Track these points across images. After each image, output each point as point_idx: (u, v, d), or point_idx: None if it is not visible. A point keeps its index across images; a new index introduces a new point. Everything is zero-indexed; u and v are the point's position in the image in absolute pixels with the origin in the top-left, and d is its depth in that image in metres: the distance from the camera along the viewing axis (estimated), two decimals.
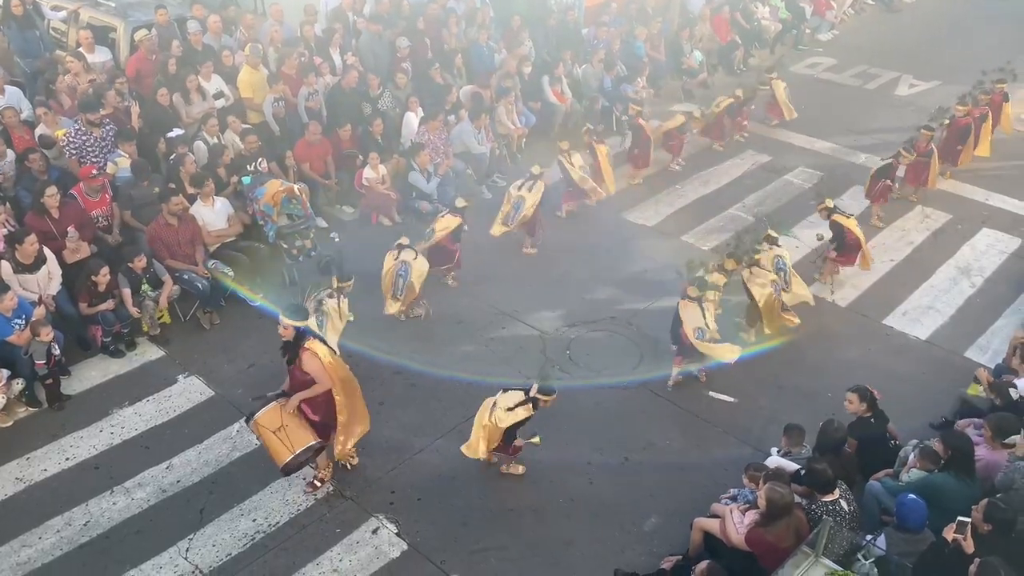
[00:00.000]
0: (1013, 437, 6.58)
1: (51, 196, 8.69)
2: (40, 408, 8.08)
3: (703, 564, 5.90)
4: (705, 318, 8.09)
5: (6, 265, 8.20)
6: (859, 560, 5.88)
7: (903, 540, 5.97)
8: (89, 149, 9.76)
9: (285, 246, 9.77)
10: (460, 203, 9.64)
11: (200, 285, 9.09)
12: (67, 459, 7.59)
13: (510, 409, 6.93)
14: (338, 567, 6.69)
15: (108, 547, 6.80)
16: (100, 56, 11.60)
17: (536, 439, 7.19)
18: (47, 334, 7.77)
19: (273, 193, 9.66)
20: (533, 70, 13.65)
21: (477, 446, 7.15)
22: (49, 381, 8.01)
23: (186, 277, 9.08)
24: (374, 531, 6.99)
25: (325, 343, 6.94)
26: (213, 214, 9.54)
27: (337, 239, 10.87)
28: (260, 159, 10.35)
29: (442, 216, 9.63)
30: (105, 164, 9.72)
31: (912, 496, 6.05)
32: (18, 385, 7.89)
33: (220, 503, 7.16)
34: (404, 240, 9.14)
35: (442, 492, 7.35)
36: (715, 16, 16.77)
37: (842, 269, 10.15)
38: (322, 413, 6.85)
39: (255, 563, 6.71)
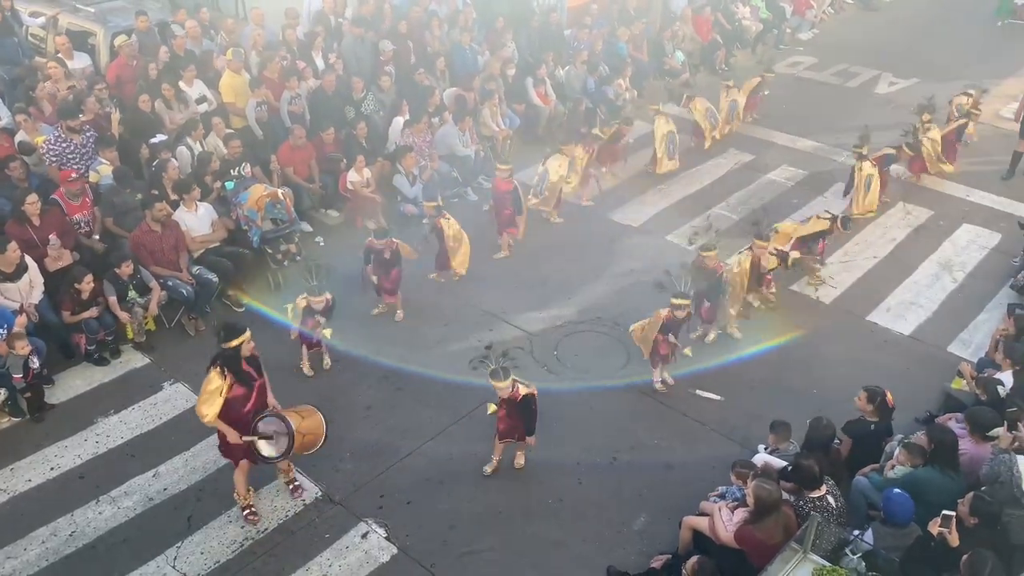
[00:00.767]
0: (996, 430, 6.64)
1: (32, 204, 8.62)
2: (24, 418, 8.00)
3: (694, 559, 5.92)
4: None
5: None
6: (847, 555, 5.92)
7: (890, 534, 6.02)
8: (69, 156, 9.69)
9: (270, 251, 9.74)
10: (431, 204, 9.65)
11: (185, 291, 9.04)
12: (52, 469, 7.52)
13: None
14: (327, 572, 6.67)
15: (94, 557, 6.74)
16: (80, 62, 11.52)
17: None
18: (23, 347, 7.64)
19: (257, 198, 9.63)
20: (517, 72, 13.66)
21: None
22: (28, 395, 7.91)
23: (170, 284, 9.02)
24: (363, 535, 6.97)
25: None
26: (196, 220, 9.48)
27: (322, 243, 10.84)
28: (244, 164, 10.31)
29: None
30: (87, 172, 9.64)
31: (898, 491, 6.10)
32: (0, 395, 7.80)
33: (208, 510, 7.11)
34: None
35: (431, 495, 7.34)
36: (696, 16, 16.86)
37: (824, 268, 10.30)
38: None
39: (244, 570, 6.66)
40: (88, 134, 9.85)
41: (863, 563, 5.84)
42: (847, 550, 5.96)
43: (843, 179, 11.71)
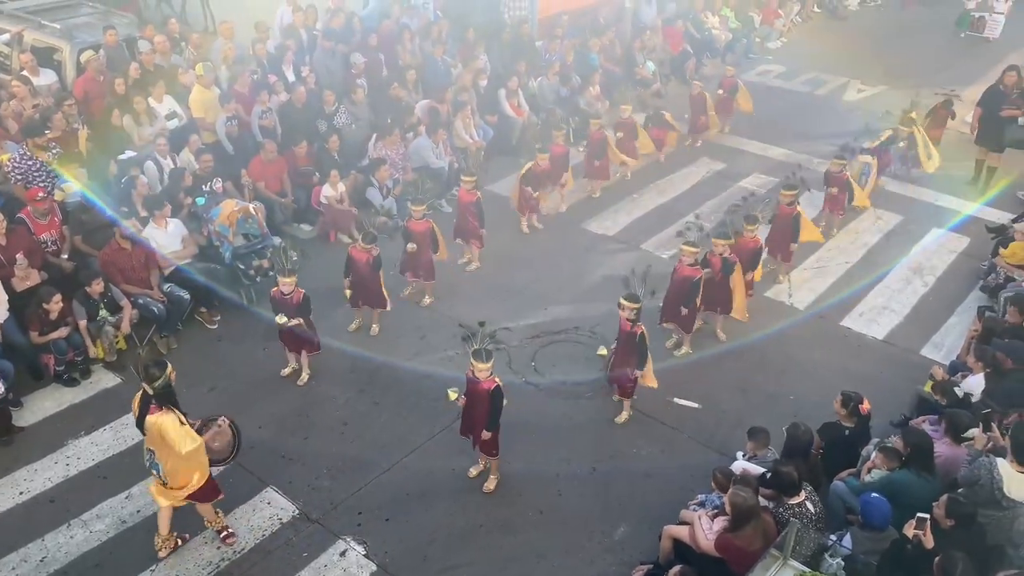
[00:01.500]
0: (971, 431, 6.71)
1: None
2: None
3: (675, 569, 5.91)
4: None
5: None
6: (826, 560, 5.93)
7: (868, 538, 6.05)
8: (35, 174, 9.53)
9: (242, 267, 9.64)
10: (419, 207, 9.58)
11: (156, 309, 8.91)
12: (21, 493, 7.35)
13: None
14: None
15: None
16: (45, 79, 11.36)
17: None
18: None
19: (228, 213, 9.55)
20: (489, 84, 13.69)
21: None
22: None
23: (141, 302, 8.89)
24: (342, 553, 6.89)
25: None
26: (167, 236, 9.36)
27: (296, 258, 10.72)
28: (214, 179, 10.21)
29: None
30: (52, 190, 9.48)
31: (875, 495, 6.14)
32: None
33: (182, 532, 6.98)
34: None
35: (410, 511, 7.28)
36: (667, 27, 17.02)
37: (795, 273, 10.40)
38: None
39: None
40: (54, 151, 9.70)
41: (842, 568, 5.87)
42: (826, 555, 5.97)
43: (815, 187, 11.81)
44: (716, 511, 6.27)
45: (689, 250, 8.58)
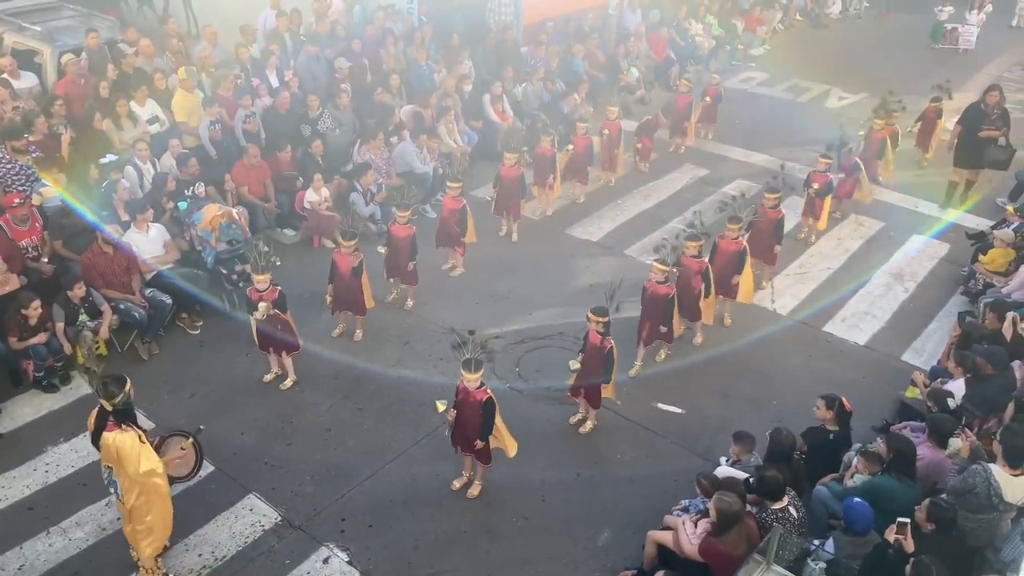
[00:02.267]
0: (953, 442, 6.77)
1: None
2: None
3: (660, 574, 5.93)
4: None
5: None
6: (809, 565, 5.97)
7: (850, 543, 6.08)
8: (14, 178, 9.43)
9: (224, 272, 9.58)
10: (404, 212, 9.55)
11: (137, 314, 8.84)
12: None
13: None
14: None
15: None
16: (26, 82, 11.26)
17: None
18: None
19: (211, 218, 9.49)
20: (474, 89, 13.70)
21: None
22: None
23: (123, 307, 8.81)
24: (325, 560, 6.84)
25: None
26: (148, 241, 9.29)
27: (279, 263, 10.68)
28: (197, 183, 10.15)
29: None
30: (30, 194, 9.38)
31: (858, 500, 6.18)
32: None
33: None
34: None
35: (394, 517, 7.25)
36: (651, 34, 17.11)
37: (778, 279, 10.48)
38: None
39: None
40: (33, 154, 9.60)
41: (824, 572, 5.90)
42: (809, 560, 6.01)
43: (797, 193, 11.89)
44: (700, 515, 6.28)
45: (660, 268, 8.38)
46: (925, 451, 6.80)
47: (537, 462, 7.83)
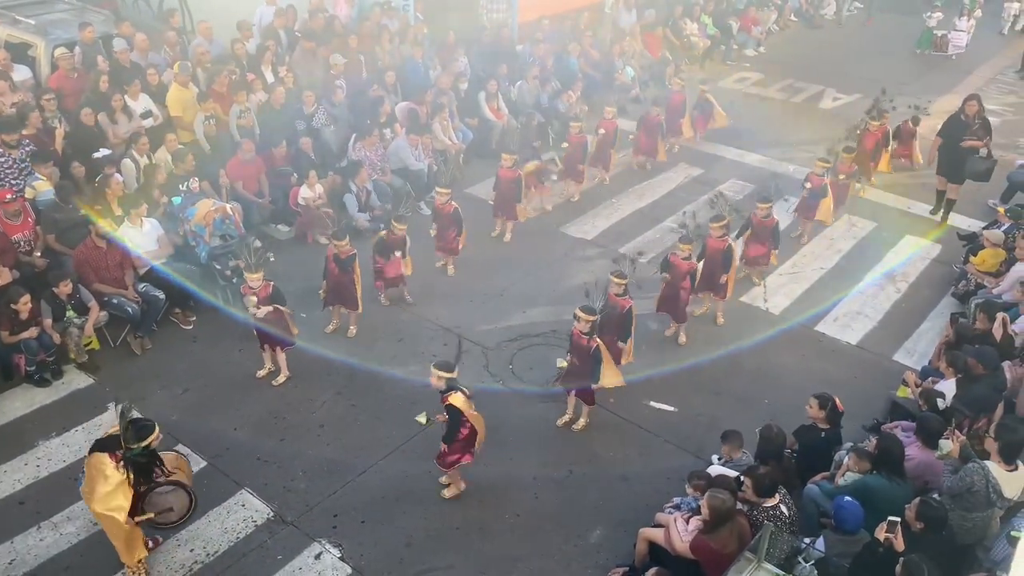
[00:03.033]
0: (943, 444, 6.81)
1: None
2: None
3: (651, 572, 5.94)
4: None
5: None
6: (800, 563, 5.99)
7: (841, 542, 6.12)
8: (7, 171, 9.40)
9: (218, 267, 9.56)
10: (400, 226, 9.54)
11: (130, 309, 8.82)
12: None
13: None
14: None
15: None
16: (20, 75, 11.20)
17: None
18: None
19: (205, 213, 9.47)
20: (469, 87, 13.70)
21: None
22: None
23: (115, 301, 8.79)
24: (317, 556, 6.85)
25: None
26: (142, 236, 9.26)
27: (272, 259, 10.66)
28: (191, 178, 10.12)
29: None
30: (23, 188, 9.35)
31: (848, 499, 6.21)
32: None
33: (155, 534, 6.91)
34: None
35: (386, 513, 7.25)
36: (646, 34, 17.13)
37: (771, 278, 10.51)
38: None
39: None
40: (27, 148, 9.56)
41: (815, 571, 5.92)
42: (799, 558, 6.03)
43: (791, 192, 11.93)
44: (691, 513, 6.30)
45: (617, 281, 8.20)
46: (915, 451, 6.84)
47: (530, 459, 7.84)
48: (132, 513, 6.09)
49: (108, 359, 8.88)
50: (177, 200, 9.81)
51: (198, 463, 7.56)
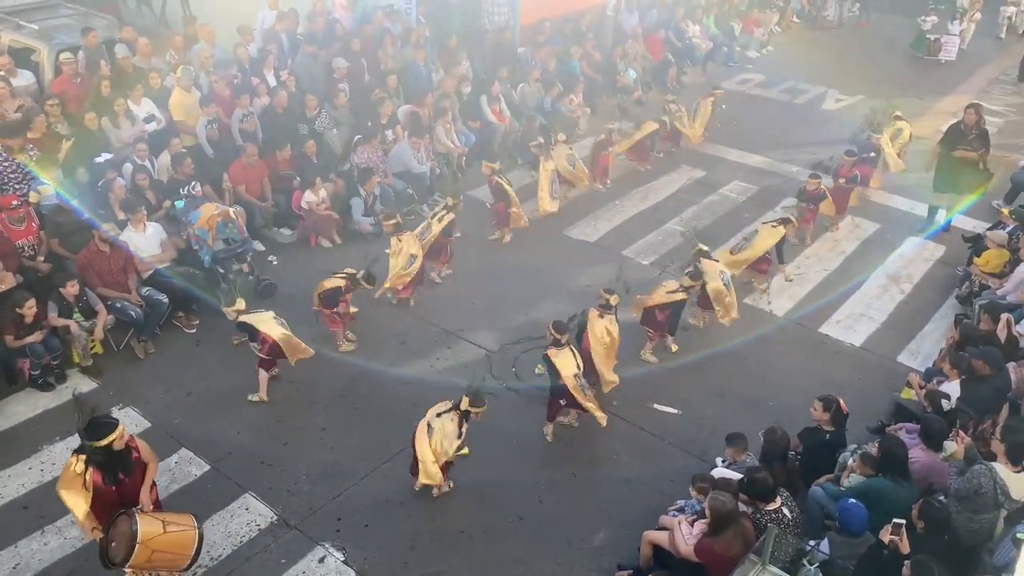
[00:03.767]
0: (948, 445, 6.79)
1: None
2: None
3: (655, 575, 5.92)
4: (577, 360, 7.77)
5: None
6: (804, 565, 5.97)
7: (845, 544, 6.10)
8: (10, 176, 9.41)
9: (222, 271, 9.58)
10: (391, 222, 9.54)
11: (134, 313, 8.83)
12: None
13: (439, 414, 7.00)
14: None
15: None
16: (23, 80, 11.23)
17: (465, 450, 7.09)
18: None
19: (208, 217, 9.48)
20: (472, 90, 13.71)
21: (432, 472, 7.02)
22: None
23: (119, 306, 8.80)
24: (321, 560, 6.84)
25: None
26: (145, 239, 9.28)
27: (275, 262, 10.70)
28: (194, 183, 10.14)
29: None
30: (27, 192, 9.36)
31: (853, 501, 6.19)
32: None
33: None
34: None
35: (390, 517, 7.24)
36: (648, 36, 17.13)
37: (774, 280, 10.51)
38: None
39: None
40: (31, 153, 9.58)
41: (820, 573, 5.90)
42: (804, 560, 6.01)
43: (793, 193, 11.91)
44: (695, 516, 6.29)
45: (609, 297, 8.13)
46: (919, 453, 6.82)
47: (533, 462, 7.84)
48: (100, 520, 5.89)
49: (111, 363, 8.89)
50: (180, 204, 9.82)
51: (201, 467, 7.57)
